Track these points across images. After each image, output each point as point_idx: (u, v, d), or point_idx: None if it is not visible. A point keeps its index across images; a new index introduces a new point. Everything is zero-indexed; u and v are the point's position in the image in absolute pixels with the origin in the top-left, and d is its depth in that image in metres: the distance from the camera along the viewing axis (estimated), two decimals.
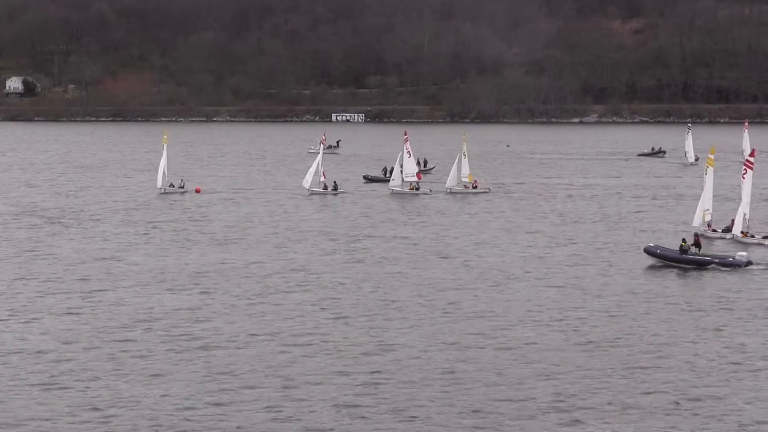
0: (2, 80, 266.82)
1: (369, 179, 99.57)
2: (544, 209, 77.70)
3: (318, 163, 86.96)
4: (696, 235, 55.48)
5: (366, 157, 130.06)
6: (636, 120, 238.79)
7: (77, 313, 41.55)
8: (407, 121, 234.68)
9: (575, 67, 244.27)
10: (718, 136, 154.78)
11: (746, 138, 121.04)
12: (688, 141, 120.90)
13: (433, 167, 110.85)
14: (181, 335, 37.93)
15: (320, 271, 50.95)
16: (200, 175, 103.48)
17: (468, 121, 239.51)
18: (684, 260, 52.18)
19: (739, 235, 60.94)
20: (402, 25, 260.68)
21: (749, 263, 51.75)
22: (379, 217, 72.65)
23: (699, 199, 63.64)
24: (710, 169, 63.27)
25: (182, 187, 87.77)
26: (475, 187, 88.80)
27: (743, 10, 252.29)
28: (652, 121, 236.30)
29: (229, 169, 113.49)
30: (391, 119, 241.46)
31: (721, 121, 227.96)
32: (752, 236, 60.63)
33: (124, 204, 79.83)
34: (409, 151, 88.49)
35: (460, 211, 76.42)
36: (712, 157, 64.55)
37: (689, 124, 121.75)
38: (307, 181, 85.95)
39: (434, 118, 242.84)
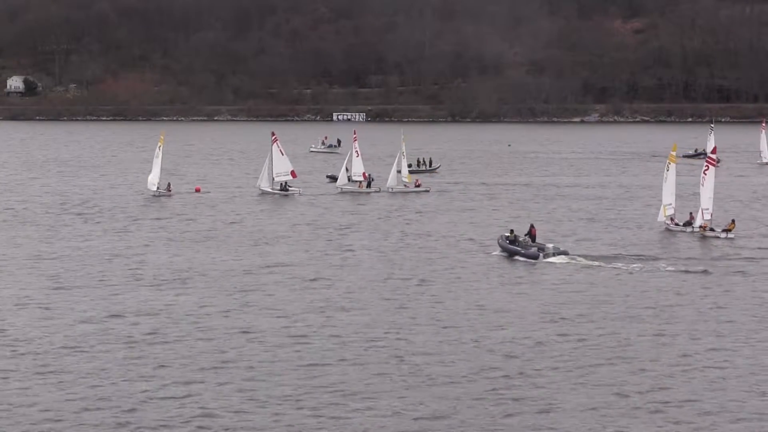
0: (3, 79, 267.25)
1: (333, 178, 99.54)
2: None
3: (269, 163, 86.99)
4: (531, 226, 55.94)
5: (366, 155, 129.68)
6: (637, 119, 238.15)
7: (72, 311, 41.87)
8: (408, 121, 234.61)
9: (576, 67, 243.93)
10: (731, 136, 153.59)
11: (764, 138, 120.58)
12: (710, 141, 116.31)
13: (438, 166, 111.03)
14: (178, 333, 38.31)
15: (301, 267, 51.54)
16: (200, 175, 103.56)
17: (469, 120, 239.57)
18: (508, 250, 54.21)
19: (698, 229, 60.99)
20: (403, 24, 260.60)
21: (558, 254, 52.39)
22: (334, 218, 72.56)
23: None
24: (672, 166, 63.33)
25: (168, 189, 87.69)
26: (418, 186, 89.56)
27: (744, 9, 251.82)
28: (653, 120, 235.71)
29: (229, 169, 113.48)
30: (393, 119, 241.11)
31: (723, 120, 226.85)
32: (711, 230, 60.60)
33: (121, 204, 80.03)
34: (356, 151, 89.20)
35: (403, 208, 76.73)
36: (673, 154, 64.68)
37: (712, 125, 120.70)
38: (261, 181, 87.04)
39: (435, 118, 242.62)
